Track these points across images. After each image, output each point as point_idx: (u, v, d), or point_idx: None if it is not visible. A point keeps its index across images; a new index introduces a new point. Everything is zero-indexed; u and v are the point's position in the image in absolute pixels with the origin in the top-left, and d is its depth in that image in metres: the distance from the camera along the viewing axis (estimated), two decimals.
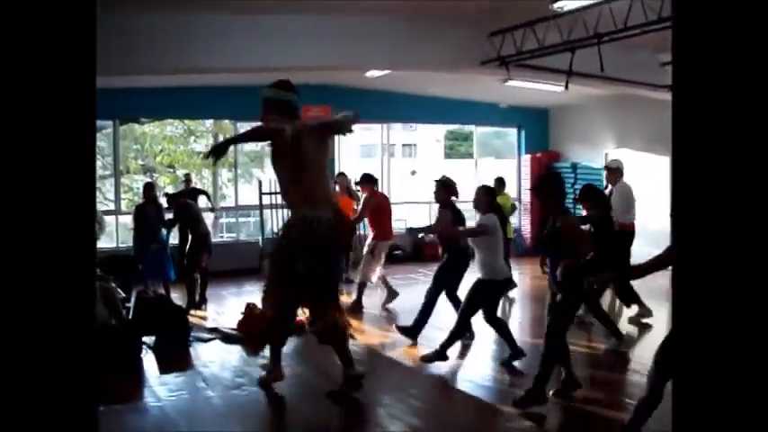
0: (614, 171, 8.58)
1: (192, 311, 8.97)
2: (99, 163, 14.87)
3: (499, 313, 6.48)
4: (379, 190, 9.64)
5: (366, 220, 9.35)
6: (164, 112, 13.30)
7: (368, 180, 9.11)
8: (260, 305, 7.57)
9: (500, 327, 6.32)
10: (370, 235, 9.26)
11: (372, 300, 9.17)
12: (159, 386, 5.59)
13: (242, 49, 8.84)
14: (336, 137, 10.00)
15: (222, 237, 13.90)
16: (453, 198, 7.17)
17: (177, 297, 9.21)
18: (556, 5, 8.18)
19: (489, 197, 6.22)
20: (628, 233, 8.06)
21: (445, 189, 7.11)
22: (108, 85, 10.63)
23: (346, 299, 9.05)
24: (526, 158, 14.79)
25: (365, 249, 9.21)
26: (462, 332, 6.25)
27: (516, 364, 6.13)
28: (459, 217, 7.04)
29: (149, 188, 9.73)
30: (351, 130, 5.04)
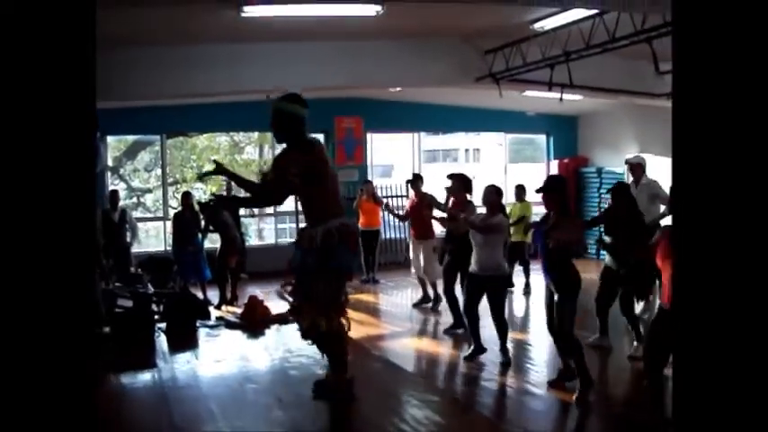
0: (636, 167, 8.79)
1: (224, 307, 10.41)
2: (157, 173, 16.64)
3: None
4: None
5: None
6: (209, 126, 14.91)
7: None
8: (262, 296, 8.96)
9: (473, 320, 6.83)
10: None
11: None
12: (158, 359, 7.06)
13: (265, 72, 10.30)
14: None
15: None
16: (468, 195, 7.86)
17: (214, 294, 10.65)
18: (536, 26, 9.25)
19: (499, 197, 6.76)
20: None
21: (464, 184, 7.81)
22: (155, 104, 12.34)
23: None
24: (554, 164, 15.67)
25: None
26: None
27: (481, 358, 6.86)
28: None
29: (186, 197, 11.22)
30: None
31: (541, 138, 16.77)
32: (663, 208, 8.40)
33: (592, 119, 15.72)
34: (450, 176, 8.10)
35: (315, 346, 5.54)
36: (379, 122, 14.78)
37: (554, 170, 15.60)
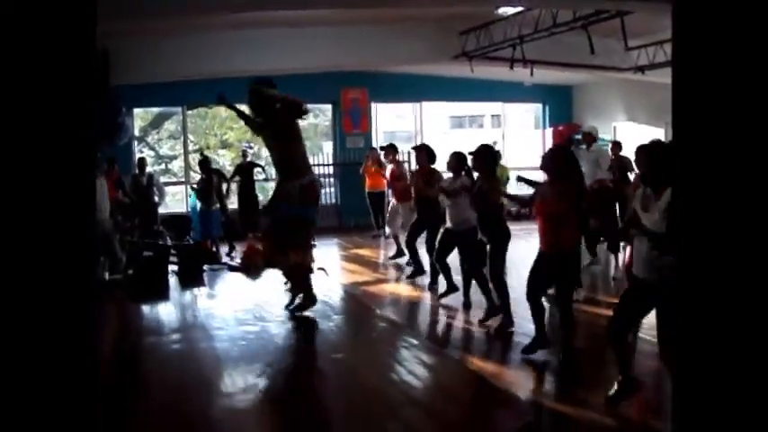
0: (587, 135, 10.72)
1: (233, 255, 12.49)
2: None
3: None
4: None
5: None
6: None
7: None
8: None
9: (445, 269, 8.09)
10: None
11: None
12: (170, 293, 9.29)
13: (262, 55, 12.33)
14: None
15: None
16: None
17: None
18: (500, 10, 11.04)
19: (459, 163, 7.71)
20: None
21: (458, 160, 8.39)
22: (175, 79, 14.41)
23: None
24: (549, 131, 17.42)
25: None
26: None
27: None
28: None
29: (204, 162, 13.28)
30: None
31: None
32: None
33: (585, 89, 17.41)
34: (415, 148, 9.81)
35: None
36: (384, 93, 16.66)
37: (548, 137, 17.35)
